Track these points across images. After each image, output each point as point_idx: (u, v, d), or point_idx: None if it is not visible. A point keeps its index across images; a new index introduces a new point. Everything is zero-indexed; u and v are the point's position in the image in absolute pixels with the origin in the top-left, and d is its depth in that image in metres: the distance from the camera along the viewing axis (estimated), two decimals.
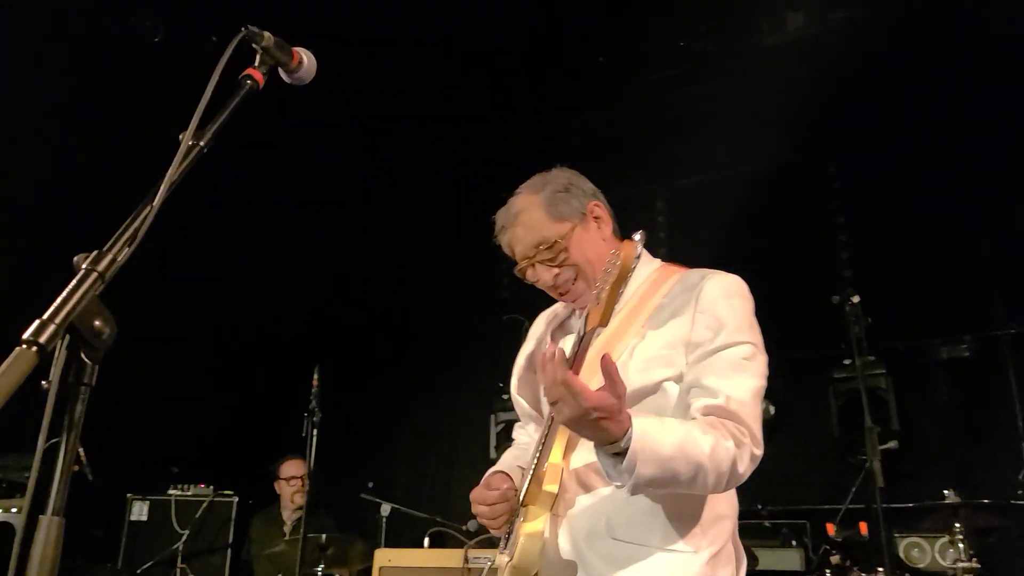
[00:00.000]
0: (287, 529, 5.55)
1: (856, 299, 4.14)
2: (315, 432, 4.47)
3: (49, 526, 1.04)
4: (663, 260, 2.14)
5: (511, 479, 2.06)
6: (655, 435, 1.67)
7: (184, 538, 5.89)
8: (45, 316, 1.08)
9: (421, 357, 6.85)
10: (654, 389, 1.88)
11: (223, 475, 6.37)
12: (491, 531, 2.04)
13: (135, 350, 5.96)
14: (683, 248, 6.05)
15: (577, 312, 2.17)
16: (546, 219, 2.05)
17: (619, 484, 1.72)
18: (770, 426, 5.66)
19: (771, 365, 5.70)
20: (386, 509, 5.58)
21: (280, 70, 1.63)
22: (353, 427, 6.67)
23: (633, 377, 1.86)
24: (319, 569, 4.59)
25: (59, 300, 1.10)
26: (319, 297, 7.04)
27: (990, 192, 5.23)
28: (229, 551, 5.97)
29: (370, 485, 6.27)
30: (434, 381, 6.68)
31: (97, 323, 1.13)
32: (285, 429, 5.13)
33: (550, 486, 1.84)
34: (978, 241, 5.23)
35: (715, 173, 6.14)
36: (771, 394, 5.66)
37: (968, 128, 5.28)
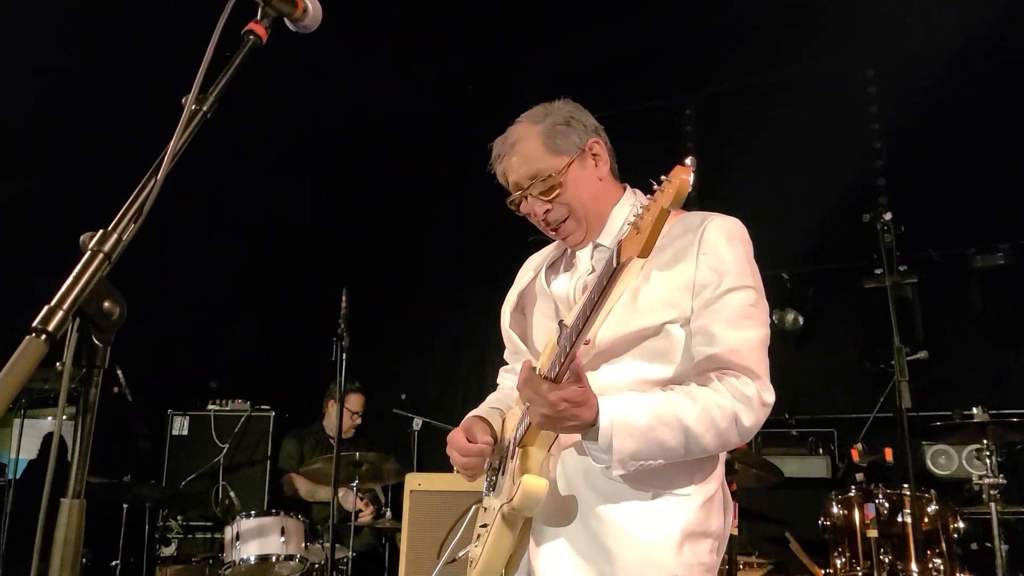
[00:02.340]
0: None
1: (888, 216, 4.03)
2: (344, 356, 4.51)
3: (71, 509, 1.06)
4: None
5: (491, 427, 2.08)
6: (626, 409, 1.72)
7: (224, 452, 6.09)
8: (53, 302, 1.08)
9: (450, 273, 6.87)
10: (656, 331, 1.85)
11: (259, 391, 6.53)
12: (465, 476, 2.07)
13: (172, 272, 6.08)
14: (712, 159, 5.93)
15: (569, 251, 2.13)
16: (543, 151, 1.98)
17: (608, 466, 1.75)
18: (799, 335, 5.66)
19: (803, 274, 5.60)
20: (418, 423, 5.70)
21: (285, 20, 1.57)
22: (384, 345, 6.76)
23: (635, 318, 1.84)
24: (354, 484, 4.73)
25: (66, 285, 1.10)
26: (347, 214, 7.04)
27: None
28: (268, 464, 6.16)
29: (403, 397, 6.40)
30: (462, 297, 6.71)
31: (106, 305, 1.13)
32: (317, 346, 5.20)
33: None
34: (1016, 147, 5.06)
35: (745, 80, 5.95)
36: (801, 304, 5.67)
37: (1006, 32, 5.05)
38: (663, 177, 1.54)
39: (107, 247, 1.15)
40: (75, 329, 1.11)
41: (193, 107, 1.33)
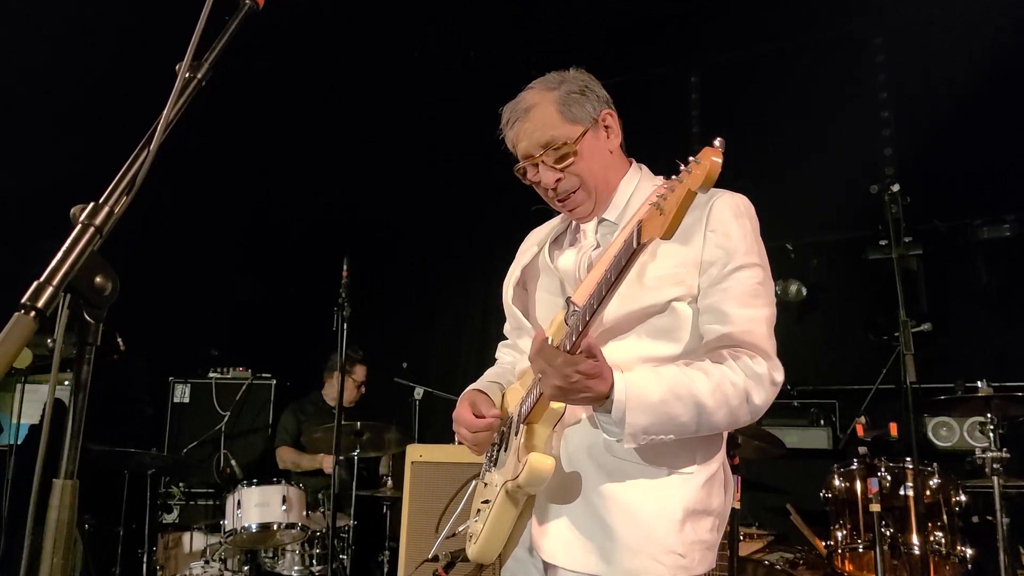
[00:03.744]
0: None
1: (896, 187, 3.97)
2: (345, 325, 4.48)
3: (63, 490, 1.04)
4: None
5: (492, 400, 2.05)
6: (641, 383, 1.70)
7: (225, 420, 6.09)
8: (42, 278, 1.04)
9: (453, 241, 6.83)
10: (662, 308, 1.83)
11: (261, 358, 6.52)
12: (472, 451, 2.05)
13: (174, 239, 6.04)
14: (717, 128, 5.84)
15: (573, 225, 2.10)
16: (558, 118, 1.94)
17: (619, 439, 1.73)
18: (802, 306, 5.63)
19: (807, 245, 5.55)
20: (419, 392, 5.69)
21: None
22: (386, 313, 6.74)
23: (642, 295, 1.82)
24: (355, 453, 4.73)
25: (56, 260, 1.06)
26: (351, 184, 6.98)
27: None
28: (269, 432, 6.17)
29: (404, 365, 6.39)
30: (465, 265, 6.68)
31: (98, 280, 1.10)
32: (319, 314, 5.17)
33: (557, 404, 1.83)
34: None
35: (753, 47, 5.85)
36: (804, 275, 5.63)
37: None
38: (691, 158, 1.49)
39: (98, 220, 1.11)
40: (66, 305, 1.07)
41: (187, 75, 1.29)
